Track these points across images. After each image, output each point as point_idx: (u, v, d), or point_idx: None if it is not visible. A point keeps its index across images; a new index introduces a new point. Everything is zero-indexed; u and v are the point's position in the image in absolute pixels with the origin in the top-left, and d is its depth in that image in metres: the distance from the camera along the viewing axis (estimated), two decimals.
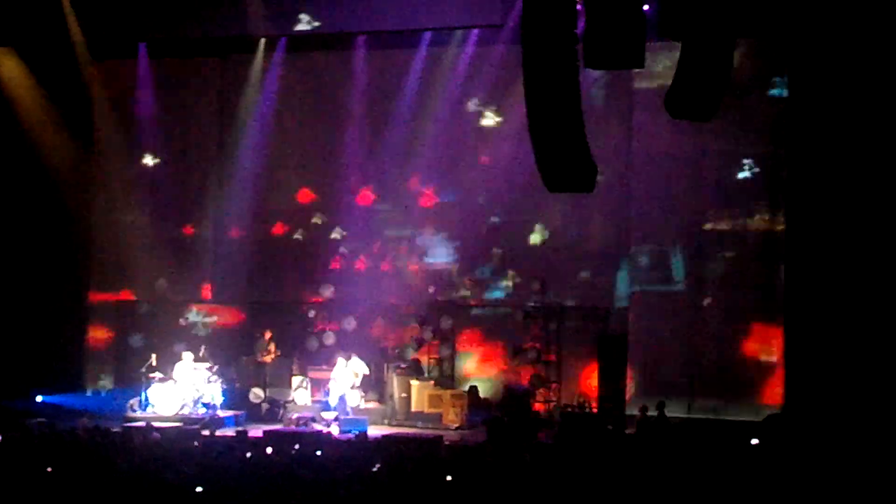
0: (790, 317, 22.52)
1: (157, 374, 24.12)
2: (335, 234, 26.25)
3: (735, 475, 14.58)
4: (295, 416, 23.40)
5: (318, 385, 24.40)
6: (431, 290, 25.46)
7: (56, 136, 26.25)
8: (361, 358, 24.13)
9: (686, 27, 14.55)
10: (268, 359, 25.17)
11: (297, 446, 17.67)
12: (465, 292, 25.65)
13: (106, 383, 25.83)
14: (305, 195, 26.60)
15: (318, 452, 16.91)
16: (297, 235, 26.62)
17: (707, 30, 14.35)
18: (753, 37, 22.14)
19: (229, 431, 21.56)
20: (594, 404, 23.24)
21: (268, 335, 25.35)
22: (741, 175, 23.35)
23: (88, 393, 26.12)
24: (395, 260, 25.92)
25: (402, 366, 24.67)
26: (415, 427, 23.54)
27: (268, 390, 24.79)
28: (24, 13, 24.99)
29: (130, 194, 26.88)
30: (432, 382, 24.47)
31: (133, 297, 26.78)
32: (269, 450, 17.25)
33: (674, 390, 22.84)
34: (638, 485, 14.02)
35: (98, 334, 26.90)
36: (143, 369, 24.26)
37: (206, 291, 26.85)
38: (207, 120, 26.95)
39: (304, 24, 25.07)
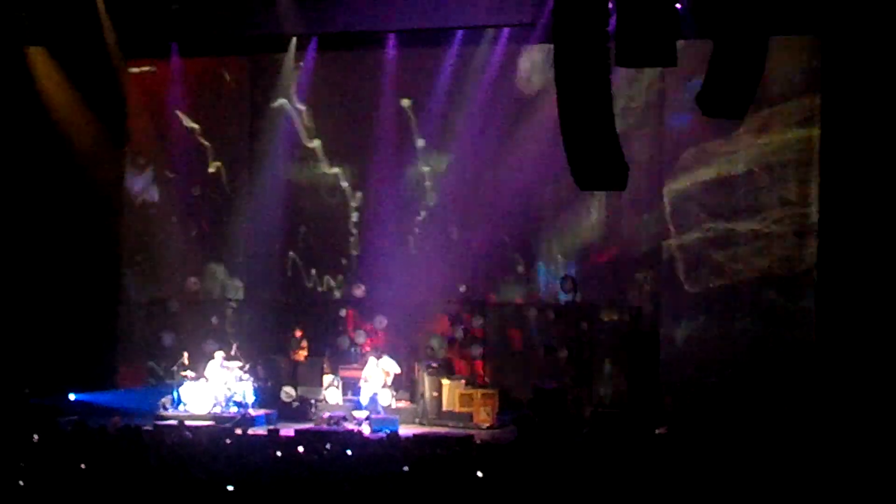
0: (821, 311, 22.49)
1: (189, 373, 24.21)
2: (367, 233, 26.25)
3: (767, 476, 14.53)
4: (326, 415, 23.43)
5: (350, 384, 24.45)
6: (463, 288, 25.41)
7: (88, 134, 26.32)
8: (392, 357, 24.16)
9: (719, 25, 14.52)
10: (300, 357, 25.20)
11: (328, 445, 17.66)
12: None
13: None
14: (337, 194, 26.60)
15: (349, 452, 16.91)
16: (328, 234, 26.64)
17: (740, 27, 14.30)
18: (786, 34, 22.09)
19: (261, 430, 21.58)
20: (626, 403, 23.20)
21: (299, 333, 25.40)
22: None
23: (121, 391, 26.19)
24: (427, 259, 25.87)
25: (434, 365, 24.65)
26: (446, 426, 23.53)
27: (299, 389, 24.82)
28: (57, 12, 25.08)
29: (160, 193, 26.93)
30: (463, 381, 24.44)
31: (165, 296, 26.82)
32: (300, 449, 17.25)
33: (706, 389, 22.84)
34: (669, 484, 13.98)
35: (130, 332, 26.94)
36: (175, 368, 24.36)
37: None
38: (238, 118, 26.99)
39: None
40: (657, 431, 21.62)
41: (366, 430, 22.29)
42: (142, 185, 27.05)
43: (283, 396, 24.74)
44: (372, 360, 24.03)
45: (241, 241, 26.82)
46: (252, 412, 23.81)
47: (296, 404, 24.58)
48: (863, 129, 21.72)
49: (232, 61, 26.99)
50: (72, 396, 24.79)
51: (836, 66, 22.20)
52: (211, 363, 24.28)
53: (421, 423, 23.82)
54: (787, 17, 18.77)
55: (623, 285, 24.71)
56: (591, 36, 14.29)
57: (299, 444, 17.75)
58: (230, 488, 13.38)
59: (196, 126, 26.86)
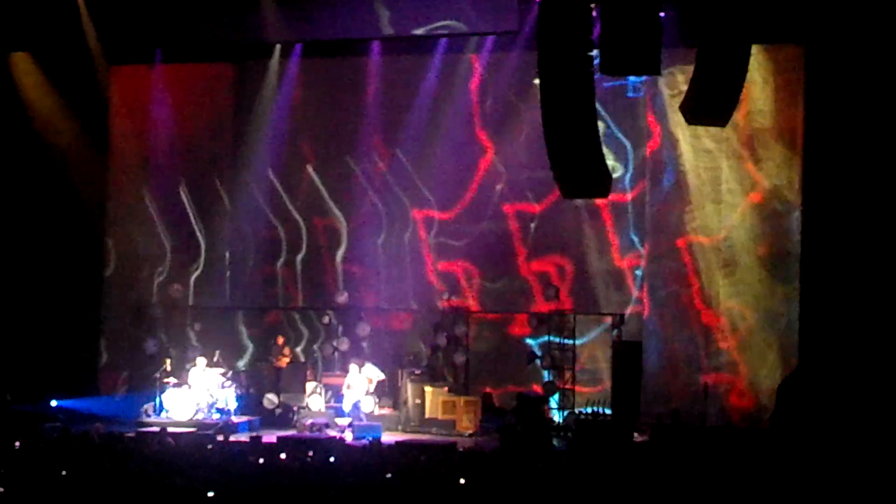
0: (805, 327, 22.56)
1: (172, 380, 24.17)
2: (349, 240, 26.25)
3: (747, 483, 14.54)
4: (309, 421, 23.40)
5: (333, 391, 24.44)
6: (445, 296, 25.40)
7: (71, 140, 26.30)
8: (375, 364, 24.16)
9: (702, 33, 14.56)
10: (282, 363, 25.18)
11: (310, 452, 17.64)
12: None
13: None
14: (319, 200, 26.59)
15: (332, 458, 16.89)
16: (311, 240, 26.62)
17: (723, 36, 14.34)
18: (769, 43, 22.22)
19: (243, 437, 21.54)
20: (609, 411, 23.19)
21: (281, 340, 25.38)
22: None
23: (103, 397, 26.12)
24: (410, 266, 25.87)
25: (416, 372, 24.64)
26: (429, 433, 23.52)
27: (282, 396, 24.79)
28: (41, 18, 25.03)
29: (144, 199, 26.87)
30: (446, 389, 24.44)
31: (148, 302, 26.74)
32: (282, 455, 17.24)
33: (688, 397, 22.90)
34: (651, 493, 13.99)
35: (112, 339, 26.88)
36: (158, 374, 24.32)
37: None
38: (222, 125, 26.95)
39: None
40: (637, 439, 21.65)
41: (348, 437, 22.26)
42: (125, 190, 26.95)
43: (266, 403, 24.70)
44: (354, 367, 24.01)
45: (225, 247, 26.77)
46: (234, 419, 23.77)
47: (278, 411, 24.55)
48: (847, 138, 21.85)
49: (216, 67, 26.93)
50: (54, 403, 24.70)
51: (820, 76, 22.32)
52: (193, 370, 24.24)
53: (404, 431, 23.80)
54: (770, 26, 18.89)
55: (608, 293, 24.76)
56: (575, 44, 14.32)
57: (282, 451, 17.75)
58: (210, 495, 13.36)
59: (179, 132, 26.79)
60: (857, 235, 21.77)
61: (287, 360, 25.22)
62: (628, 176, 24.61)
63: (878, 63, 21.54)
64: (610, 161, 21.32)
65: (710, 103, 14.81)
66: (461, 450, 19.49)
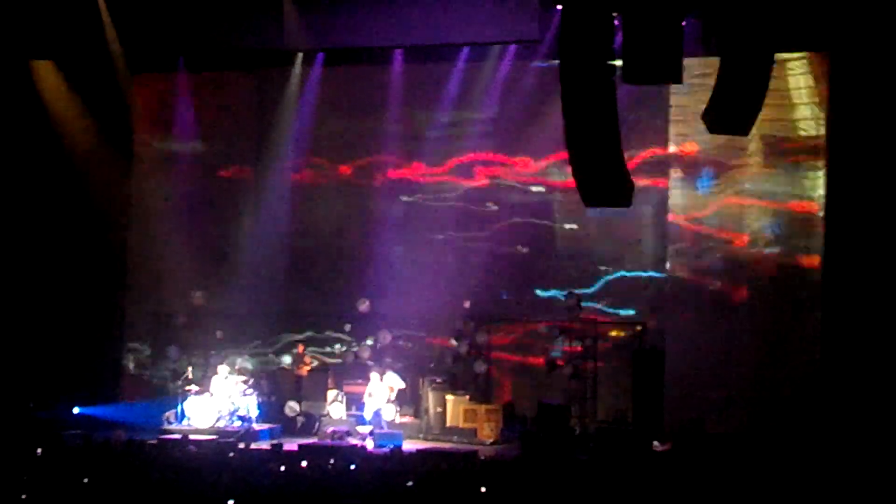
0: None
1: (193, 387, 24.21)
2: (371, 249, 26.25)
3: (772, 493, 14.51)
4: (330, 429, 23.40)
5: (354, 399, 24.43)
6: (467, 304, 25.38)
7: (94, 148, 26.37)
8: (396, 372, 24.16)
9: (725, 42, 14.54)
10: (303, 371, 25.20)
11: (332, 460, 17.65)
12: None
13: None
14: (342, 208, 26.62)
15: (353, 466, 16.90)
16: (333, 248, 26.64)
17: (746, 45, 14.32)
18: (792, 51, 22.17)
19: (264, 445, 21.56)
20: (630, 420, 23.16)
21: (301, 348, 25.40)
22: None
23: (124, 405, 26.17)
24: (432, 274, 25.84)
25: (438, 380, 24.63)
26: (450, 442, 23.51)
27: (303, 404, 24.81)
28: (64, 26, 25.11)
29: (167, 206, 26.93)
30: (468, 397, 24.42)
31: (170, 309, 26.80)
32: (303, 463, 17.25)
33: (711, 406, 22.83)
34: (673, 501, 13.97)
35: (134, 346, 26.94)
36: (180, 382, 24.36)
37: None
38: (244, 133, 27.02)
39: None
40: (658, 448, 21.59)
41: (369, 444, 22.26)
42: (147, 197, 27.02)
43: (287, 411, 24.73)
44: (376, 375, 24.02)
45: (248, 255, 26.80)
46: (256, 426, 23.80)
47: (300, 419, 24.57)
48: (870, 147, 21.76)
49: (238, 75, 27.00)
50: (76, 410, 24.77)
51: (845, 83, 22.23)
52: (215, 377, 24.29)
53: (425, 439, 23.79)
54: (794, 35, 18.84)
55: (628, 301, 24.72)
56: (597, 53, 14.30)
57: (303, 459, 17.77)
58: (231, 502, 13.37)
59: (201, 140, 26.88)
60: (881, 244, 21.68)
61: (308, 367, 25.24)
62: None
63: None
64: None
65: (733, 113, 14.79)
66: (482, 458, 19.49)
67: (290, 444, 20.85)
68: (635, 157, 23.44)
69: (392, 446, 20.61)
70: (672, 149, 23.91)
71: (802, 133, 23.08)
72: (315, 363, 25.37)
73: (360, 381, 24.64)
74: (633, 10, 14.34)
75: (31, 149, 25.79)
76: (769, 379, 22.93)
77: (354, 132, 26.50)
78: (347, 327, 25.86)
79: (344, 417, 24.14)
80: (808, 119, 23.05)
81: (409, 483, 14.83)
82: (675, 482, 15.42)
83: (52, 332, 25.64)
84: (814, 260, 22.92)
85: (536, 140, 24.91)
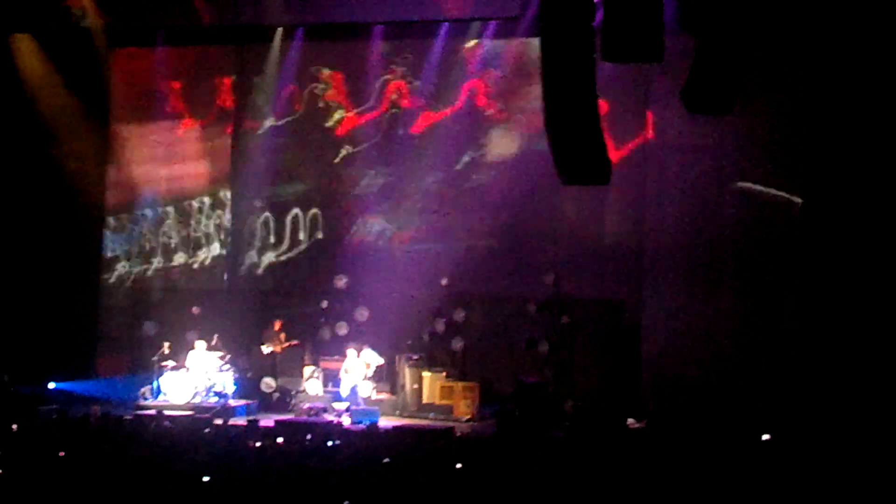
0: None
1: (170, 363, 24.17)
2: (348, 225, 26.20)
3: (747, 472, 14.53)
4: (306, 405, 23.40)
5: (330, 375, 24.42)
6: (444, 281, 25.37)
7: (72, 122, 26.29)
8: (373, 349, 24.15)
9: (703, 20, 14.51)
10: (277, 349, 25.13)
11: (308, 436, 17.65)
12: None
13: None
14: (320, 185, 26.57)
15: (329, 443, 16.89)
16: (312, 226, 26.58)
17: (725, 22, 14.30)
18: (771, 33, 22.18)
19: (241, 420, 21.53)
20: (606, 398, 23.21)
21: (277, 325, 25.32)
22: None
23: (101, 380, 26.11)
24: (408, 251, 25.82)
25: (414, 357, 24.63)
26: (426, 418, 23.53)
27: (279, 380, 24.80)
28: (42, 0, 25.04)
29: (145, 180, 26.85)
30: (444, 374, 24.44)
31: (146, 284, 26.73)
32: (279, 439, 17.24)
33: (687, 384, 22.89)
34: (649, 480, 13.98)
35: (111, 322, 26.87)
36: (156, 357, 24.31)
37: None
38: (224, 108, 26.91)
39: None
40: (633, 425, 21.64)
41: (346, 421, 22.27)
42: (124, 173, 26.92)
43: (264, 387, 24.71)
44: (353, 351, 24.01)
45: (226, 231, 26.73)
46: (232, 402, 23.79)
47: (276, 395, 24.56)
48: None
49: (218, 50, 26.89)
50: (52, 385, 24.72)
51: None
52: (192, 353, 24.25)
53: (401, 416, 23.81)
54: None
55: (605, 278, 24.72)
56: (578, 30, 14.27)
57: (279, 435, 17.75)
58: (207, 479, 13.36)
59: (180, 115, 26.79)
60: (853, 237, 21.79)
61: (282, 345, 25.14)
62: None
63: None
64: None
65: (712, 92, 14.76)
66: (458, 435, 19.51)
67: (267, 421, 20.86)
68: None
69: (368, 422, 20.62)
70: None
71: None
72: (295, 340, 25.23)
73: (336, 357, 24.64)
74: None
75: (8, 123, 25.72)
76: (748, 356, 22.98)
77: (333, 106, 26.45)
78: (324, 303, 25.80)
79: (320, 393, 24.14)
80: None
81: (386, 460, 14.83)
82: (651, 459, 15.45)
83: (27, 307, 25.57)
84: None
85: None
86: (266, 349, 25.06)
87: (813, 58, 22.44)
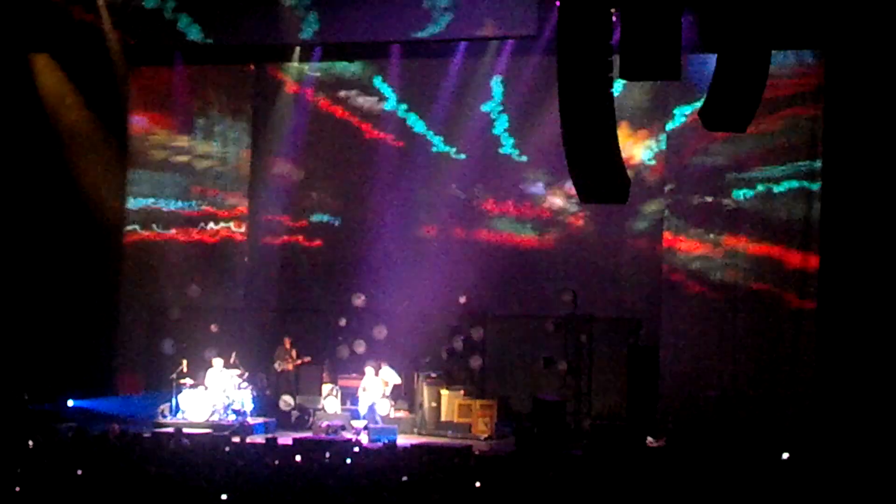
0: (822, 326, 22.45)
1: (188, 381, 24.19)
2: (367, 244, 26.20)
3: (766, 490, 14.50)
4: (325, 424, 23.41)
5: (349, 394, 24.41)
6: (462, 299, 25.35)
7: (90, 141, 26.38)
8: (392, 367, 24.14)
9: (722, 38, 14.53)
10: (288, 367, 25.07)
11: (326, 455, 17.64)
12: None
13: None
14: (338, 203, 26.62)
15: (347, 461, 16.89)
16: (329, 243, 26.62)
17: (743, 41, 14.31)
18: (789, 48, 22.14)
19: (259, 438, 21.54)
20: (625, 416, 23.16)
21: (287, 343, 25.29)
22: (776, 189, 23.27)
23: (119, 398, 26.14)
24: (428, 269, 25.79)
25: (432, 375, 24.62)
26: (444, 437, 23.51)
27: (298, 398, 24.80)
28: (61, 19, 25.10)
29: (162, 200, 26.89)
30: (462, 392, 24.42)
31: (165, 303, 26.76)
32: (297, 458, 17.24)
33: (705, 403, 22.82)
34: (668, 499, 13.96)
35: (129, 339, 26.89)
36: (174, 375, 24.33)
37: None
38: (241, 127, 26.95)
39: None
40: (651, 444, 21.61)
41: (364, 439, 22.27)
42: (144, 190, 26.97)
43: (282, 405, 24.72)
44: (371, 369, 24.01)
45: (243, 250, 26.76)
46: (250, 420, 23.80)
47: (294, 413, 24.57)
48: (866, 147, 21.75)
49: (236, 69, 26.96)
50: (70, 403, 24.76)
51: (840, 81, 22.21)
52: (210, 371, 24.27)
53: (419, 434, 23.80)
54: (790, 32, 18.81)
55: (623, 297, 24.70)
56: (595, 48, 14.30)
57: (297, 453, 17.75)
58: (224, 497, 13.37)
59: (198, 134, 26.84)
60: (878, 243, 21.69)
61: (294, 363, 25.06)
62: None
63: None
64: None
65: (729, 110, 14.77)
66: (477, 453, 19.49)
67: (285, 439, 20.86)
68: None
69: (386, 441, 20.63)
70: None
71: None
72: (308, 357, 25.23)
73: (354, 375, 24.64)
74: (632, 6, 14.34)
75: (26, 141, 25.77)
76: (765, 377, 22.91)
77: (351, 127, 26.46)
78: (342, 321, 25.79)
79: (339, 411, 24.14)
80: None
81: (404, 478, 14.83)
82: (669, 478, 15.42)
83: (46, 325, 25.62)
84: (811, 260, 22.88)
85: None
86: (278, 366, 25.08)
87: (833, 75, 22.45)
